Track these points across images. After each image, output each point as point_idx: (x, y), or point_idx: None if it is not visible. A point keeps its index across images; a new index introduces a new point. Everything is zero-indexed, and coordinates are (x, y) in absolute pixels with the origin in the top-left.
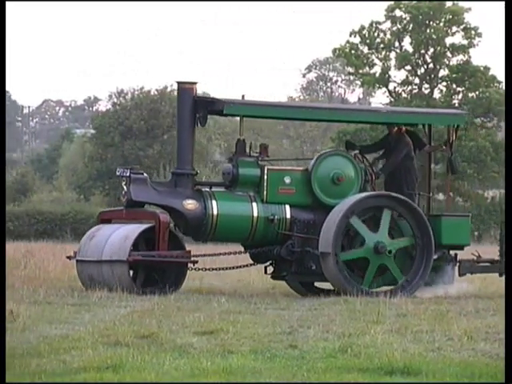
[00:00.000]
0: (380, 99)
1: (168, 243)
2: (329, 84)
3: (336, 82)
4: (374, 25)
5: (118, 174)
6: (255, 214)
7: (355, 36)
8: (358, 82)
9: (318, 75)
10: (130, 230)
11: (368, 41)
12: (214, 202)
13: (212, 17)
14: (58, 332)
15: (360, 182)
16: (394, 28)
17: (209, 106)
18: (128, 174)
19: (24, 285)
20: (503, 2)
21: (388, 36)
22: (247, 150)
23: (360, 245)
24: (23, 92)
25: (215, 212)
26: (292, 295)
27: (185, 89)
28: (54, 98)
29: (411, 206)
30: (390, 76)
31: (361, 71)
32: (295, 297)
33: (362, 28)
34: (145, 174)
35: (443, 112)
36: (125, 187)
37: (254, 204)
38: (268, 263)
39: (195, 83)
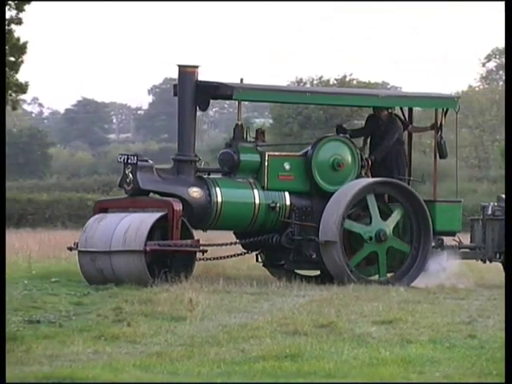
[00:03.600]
0: None
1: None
2: None
3: None
4: None
5: (119, 160)
6: (257, 202)
7: None
8: None
9: (498, 64)
10: (142, 219)
11: None
12: (218, 190)
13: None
14: (237, 321)
15: (357, 168)
16: None
17: (213, 91)
18: (135, 162)
19: (203, 274)
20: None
21: None
22: (245, 135)
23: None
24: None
25: (219, 200)
26: (471, 285)
27: (186, 73)
28: None
29: (412, 193)
30: None
31: None
32: (474, 287)
33: None
34: (150, 161)
35: (434, 95)
36: (130, 175)
37: (256, 191)
38: (259, 251)
39: (197, 67)
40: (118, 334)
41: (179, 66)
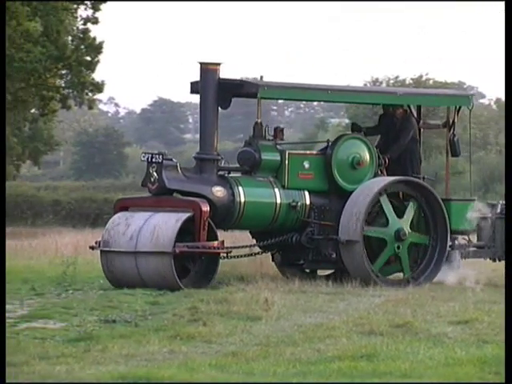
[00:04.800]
0: None
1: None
2: None
3: None
4: None
5: (143, 159)
6: (278, 201)
7: None
8: None
9: None
10: (170, 220)
11: None
12: (240, 189)
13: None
14: (313, 321)
15: (375, 167)
16: None
17: (236, 89)
18: (161, 161)
19: (278, 274)
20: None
21: None
22: (263, 133)
23: (382, 226)
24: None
25: (243, 199)
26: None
27: (208, 70)
28: None
29: (431, 192)
30: None
31: None
32: None
33: None
34: (174, 160)
35: (448, 93)
36: (155, 174)
37: (276, 190)
38: (275, 250)
39: (219, 64)
40: (193, 333)
41: (201, 64)
